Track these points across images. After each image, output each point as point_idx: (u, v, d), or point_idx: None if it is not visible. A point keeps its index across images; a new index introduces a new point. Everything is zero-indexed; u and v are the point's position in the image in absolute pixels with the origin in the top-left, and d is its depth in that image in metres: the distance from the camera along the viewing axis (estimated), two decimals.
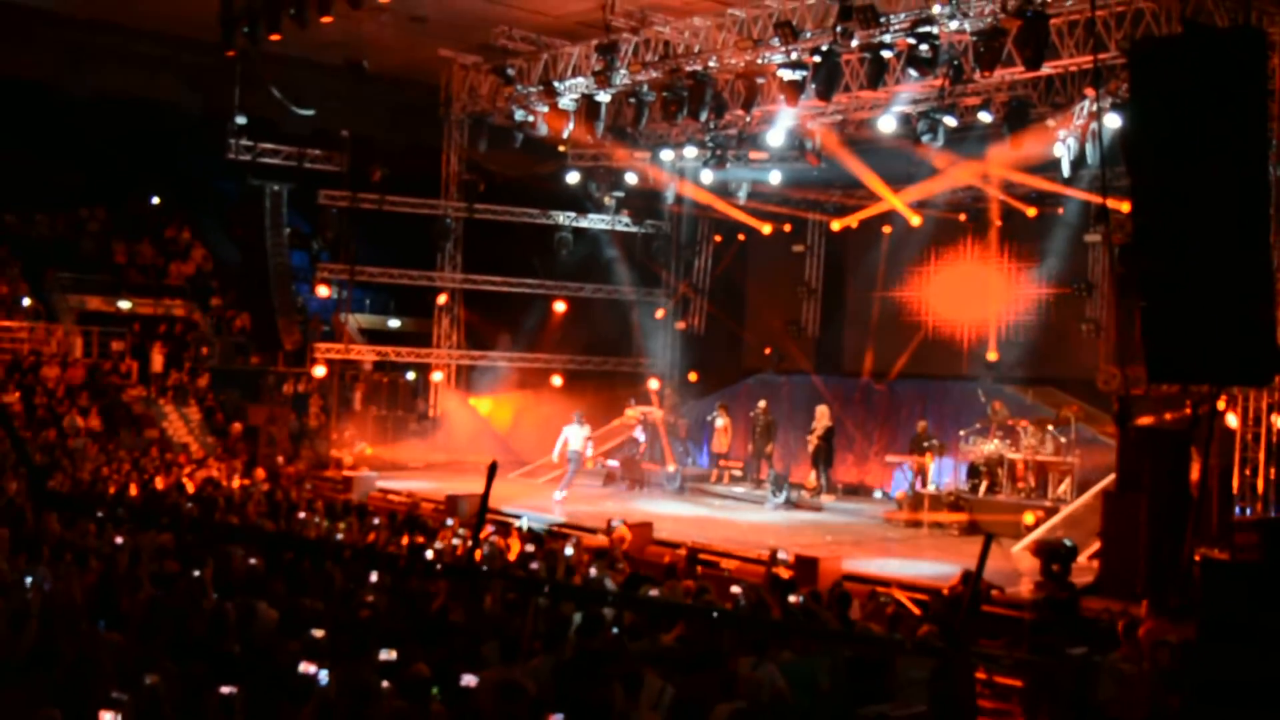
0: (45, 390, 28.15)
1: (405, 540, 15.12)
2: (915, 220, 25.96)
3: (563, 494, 22.76)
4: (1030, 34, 16.42)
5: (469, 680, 7.70)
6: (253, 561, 11.84)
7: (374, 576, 11.75)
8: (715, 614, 9.65)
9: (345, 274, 28.02)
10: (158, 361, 30.24)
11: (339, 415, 28.97)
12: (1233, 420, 16.82)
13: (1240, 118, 10.38)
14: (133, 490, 19.97)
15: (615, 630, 9.86)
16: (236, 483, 22.56)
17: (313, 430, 28.86)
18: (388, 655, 8.28)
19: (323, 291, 29.27)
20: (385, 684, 7.75)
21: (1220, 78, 10.36)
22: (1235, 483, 16.77)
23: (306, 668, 7.72)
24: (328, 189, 26.96)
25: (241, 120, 25.70)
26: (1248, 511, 16.40)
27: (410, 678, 7.70)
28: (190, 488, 20.55)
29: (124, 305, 31.55)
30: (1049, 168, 20.98)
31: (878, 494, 24.63)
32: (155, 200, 34.96)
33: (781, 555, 14.76)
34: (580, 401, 27.96)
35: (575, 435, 23.51)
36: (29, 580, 10.46)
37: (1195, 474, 15.67)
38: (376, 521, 16.90)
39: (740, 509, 23.20)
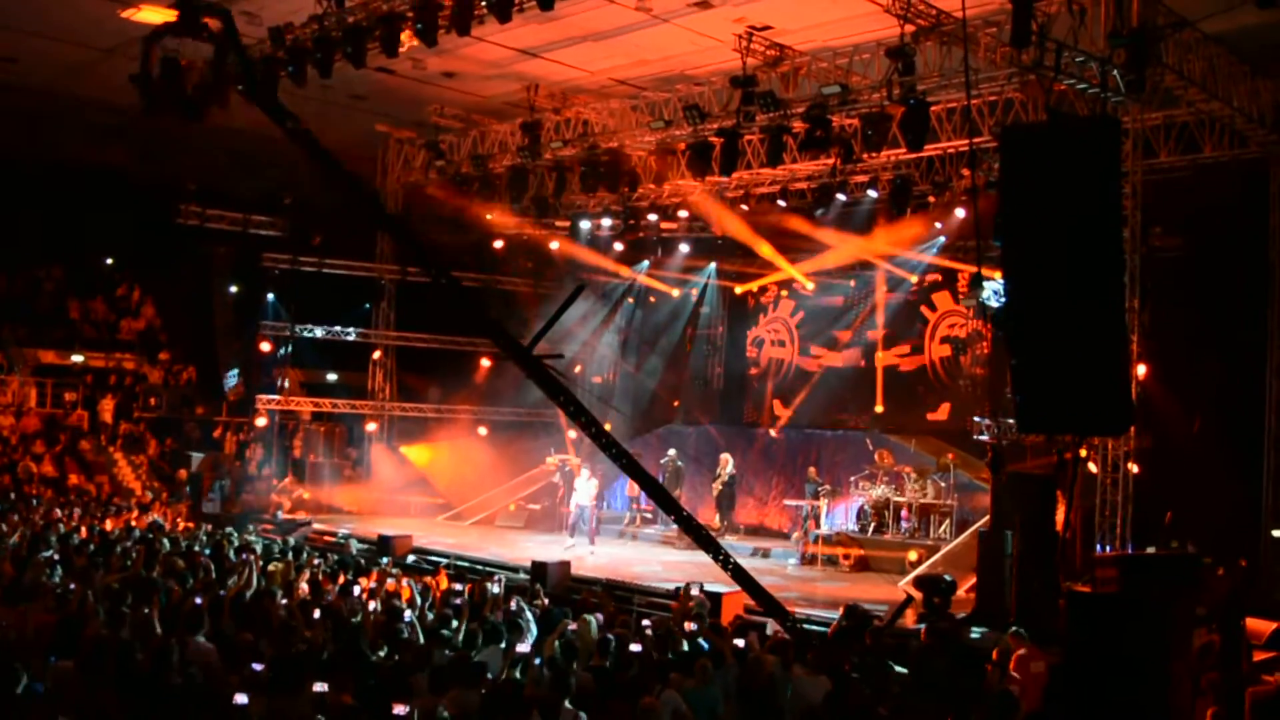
0: (0, 438, 27.42)
1: (341, 580, 14.81)
2: (810, 285, 26.30)
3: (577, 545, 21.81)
4: (913, 119, 16.75)
5: (400, 710, 7.55)
6: (198, 600, 11.53)
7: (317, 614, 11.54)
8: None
9: (286, 331, 27.63)
10: (108, 412, 29.61)
11: (278, 462, 28.46)
12: (1093, 467, 17.14)
13: (1098, 195, 10.58)
14: (83, 533, 19.40)
15: (537, 662, 9.76)
16: (181, 526, 22.04)
17: (253, 476, 28.32)
18: (320, 688, 8.09)
19: (264, 347, 28.84)
20: (320, 717, 7.58)
21: (1081, 160, 10.55)
22: (1096, 522, 17.06)
23: (240, 699, 7.52)
24: (271, 251, 26.65)
25: (191, 187, 25.45)
26: (1108, 548, 16.66)
27: (337, 708, 7.52)
28: (138, 531, 20.04)
29: (77, 359, 30.85)
30: (929, 239, 21.33)
31: (777, 534, 24.67)
32: (109, 261, 34.27)
33: (695, 591, 14.68)
34: (504, 450, 27.76)
35: (583, 488, 22.76)
36: None
37: (1060, 515, 15.89)
38: (318, 562, 16.57)
39: (653, 548, 23.11)
